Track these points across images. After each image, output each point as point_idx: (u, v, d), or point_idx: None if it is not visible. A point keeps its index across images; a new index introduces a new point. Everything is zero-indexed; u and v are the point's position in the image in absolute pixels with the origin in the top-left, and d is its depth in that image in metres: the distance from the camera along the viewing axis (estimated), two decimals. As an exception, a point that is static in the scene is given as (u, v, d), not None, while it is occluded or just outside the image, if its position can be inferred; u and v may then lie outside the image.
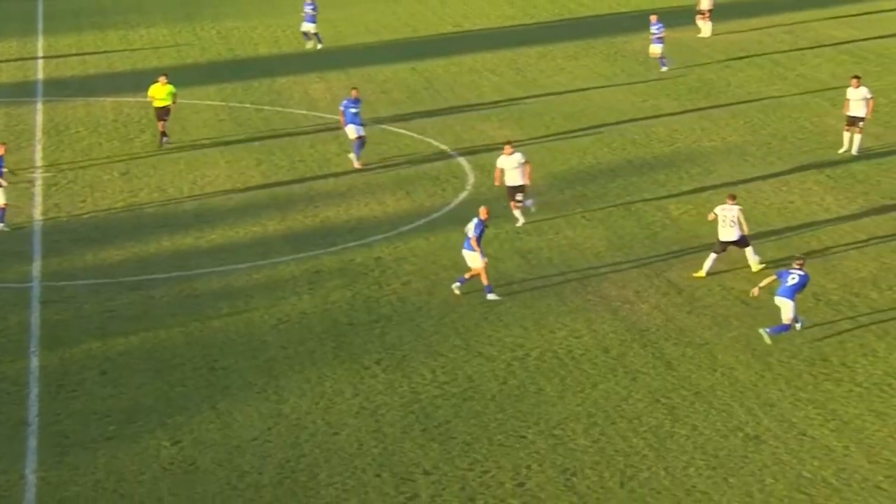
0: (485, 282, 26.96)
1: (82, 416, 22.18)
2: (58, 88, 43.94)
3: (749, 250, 28.11)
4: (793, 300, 24.27)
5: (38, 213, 32.19)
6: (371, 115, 40.52)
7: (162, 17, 56.61)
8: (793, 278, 24.28)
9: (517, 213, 31.11)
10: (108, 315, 26.41)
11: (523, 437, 21.48)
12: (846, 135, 35.89)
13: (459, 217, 31.06)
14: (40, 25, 54.57)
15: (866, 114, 35.29)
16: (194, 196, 33.69)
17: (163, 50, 50.52)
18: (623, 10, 55.64)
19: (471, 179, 34.74)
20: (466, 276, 27.17)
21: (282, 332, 25.69)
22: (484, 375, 23.66)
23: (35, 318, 26.13)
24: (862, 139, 35.77)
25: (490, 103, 41.83)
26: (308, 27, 49.47)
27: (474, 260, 27.00)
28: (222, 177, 35.12)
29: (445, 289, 27.44)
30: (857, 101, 35.45)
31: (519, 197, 31.01)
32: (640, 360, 24.13)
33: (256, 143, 37.88)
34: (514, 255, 29.33)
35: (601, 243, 29.93)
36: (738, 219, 27.72)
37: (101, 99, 42.43)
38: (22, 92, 43.53)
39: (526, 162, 30.97)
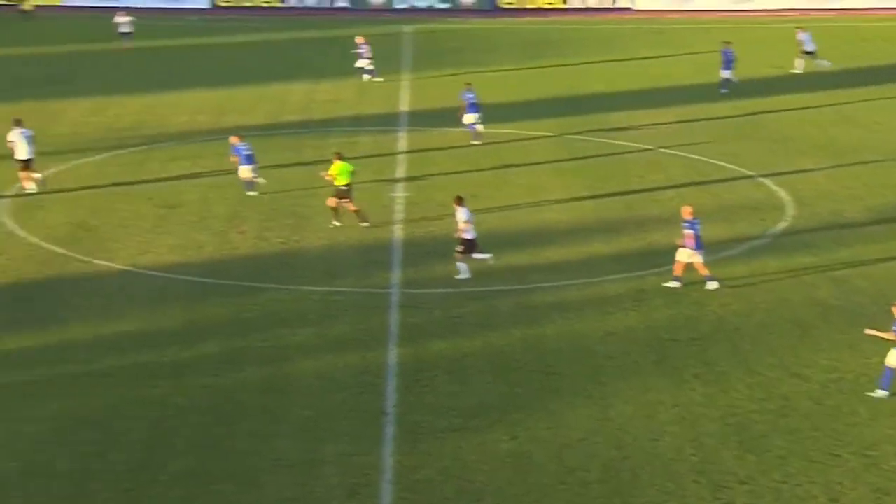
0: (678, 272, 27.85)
1: (432, 409, 22.60)
2: (419, 119, 45.19)
3: None
4: None
5: (398, 228, 33.12)
6: (699, 147, 40.06)
7: (511, 56, 57.56)
8: None
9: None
10: (455, 321, 26.87)
11: (837, 455, 20.54)
12: None
13: (779, 246, 30.19)
14: (407, 63, 56.36)
15: None
16: (532, 218, 33.97)
17: (510, 86, 51.31)
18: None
19: (790, 210, 33.65)
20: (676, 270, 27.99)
21: (609, 343, 25.53)
22: (799, 395, 22.79)
23: (394, 320, 26.83)
24: None
25: (809, 139, 40.48)
26: (363, 63, 50.67)
27: (688, 255, 27.78)
28: (557, 201, 35.29)
29: (762, 312, 26.64)
30: None
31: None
32: (955, 389, 22.72)
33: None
34: (828, 282, 28.21)
35: (914, 275, 28.42)
36: None
37: (455, 129, 43.37)
38: (388, 121, 45.00)
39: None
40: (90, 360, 24.38)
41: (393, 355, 24.94)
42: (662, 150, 40.47)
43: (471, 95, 41.71)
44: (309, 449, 21.05)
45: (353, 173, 32.56)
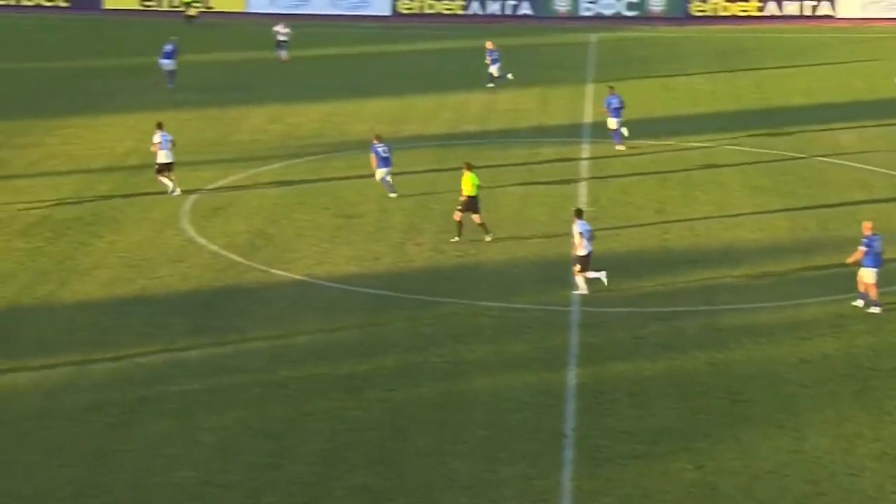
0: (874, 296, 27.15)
1: (613, 434, 22.39)
2: (603, 131, 44.92)
3: None
4: None
5: (579, 244, 32.94)
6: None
7: (701, 66, 56.85)
8: None
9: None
10: (638, 341, 26.60)
11: None
12: None
13: None
14: (590, 73, 56.20)
15: None
16: (721, 235, 33.40)
17: (699, 97, 50.66)
18: None
19: None
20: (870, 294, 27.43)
21: (803, 371, 24.90)
22: None
23: (574, 339, 26.71)
24: None
25: None
26: (494, 69, 51.44)
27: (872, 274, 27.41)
28: (749, 218, 34.64)
29: (974, 342, 25.66)
30: None
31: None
32: None
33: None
34: None
35: None
36: None
37: (641, 142, 43.02)
38: (570, 133, 44.90)
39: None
40: (266, 371, 24.93)
41: (572, 375, 24.83)
42: (862, 165, 39.38)
43: (614, 99, 41.61)
44: (485, 469, 21.10)
45: (478, 187, 32.74)
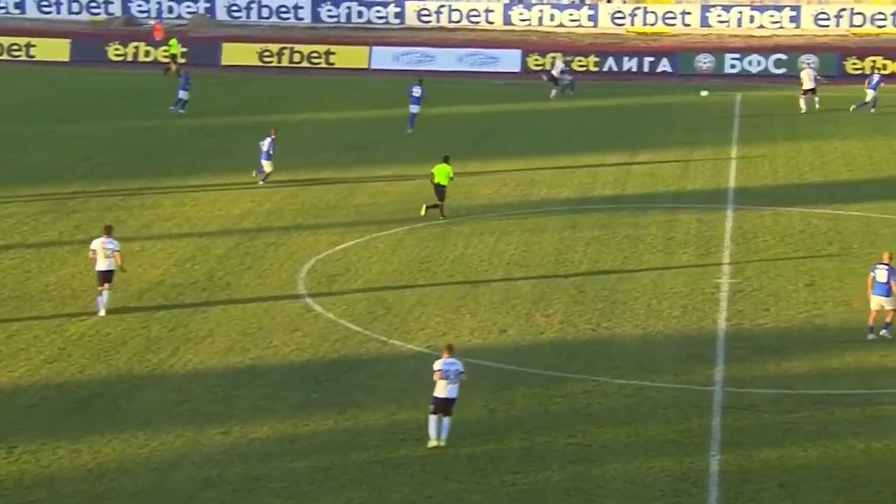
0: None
1: (768, 527, 22.11)
2: (748, 197, 44.60)
3: None
4: None
5: (722, 319, 32.68)
6: None
7: (857, 129, 56.13)
8: None
9: None
10: (786, 427, 26.21)
11: None
12: None
13: None
14: (735, 134, 55.89)
15: None
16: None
17: (855, 163, 50.02)
18: None
19: None
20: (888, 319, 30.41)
21: (973, 463, 24.30)
22: None
23: (716, 422, 26.42)
24: None
25: None
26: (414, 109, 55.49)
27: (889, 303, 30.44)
28: None
29: None
30: None
31: None
32: None
33: None
34: None
35: None
36: None
37: (790, 209, 42.59)
38: (713, 199, 44.63)
39: None
40: (384, 448, 25.07)
41: (715, 462, 24.55)
42: None
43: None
44: (618, 562, 20.94)
45: (450, 178, 40.95)
